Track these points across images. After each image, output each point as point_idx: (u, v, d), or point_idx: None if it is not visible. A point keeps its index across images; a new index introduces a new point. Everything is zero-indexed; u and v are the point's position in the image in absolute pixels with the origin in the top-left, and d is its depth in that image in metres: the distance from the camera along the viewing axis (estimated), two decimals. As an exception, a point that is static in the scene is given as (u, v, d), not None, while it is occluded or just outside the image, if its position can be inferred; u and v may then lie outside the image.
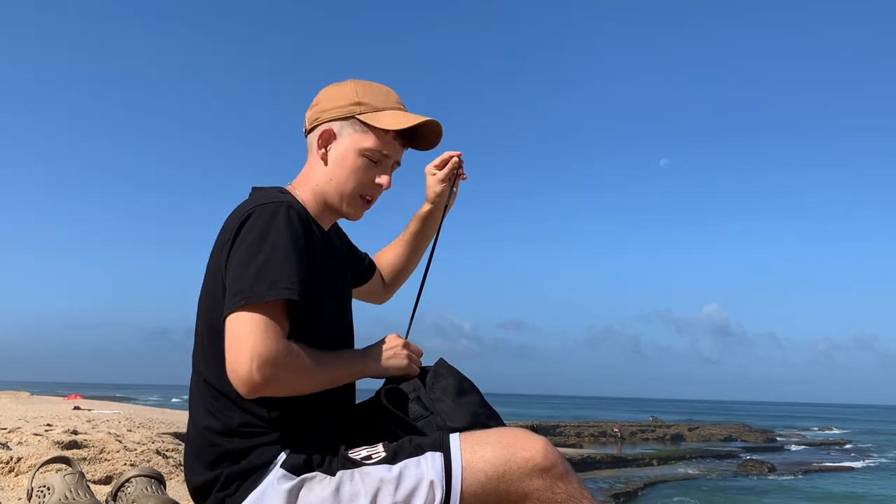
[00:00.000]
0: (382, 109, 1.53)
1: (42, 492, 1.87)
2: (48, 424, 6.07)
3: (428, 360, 1.60)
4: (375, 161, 1.53)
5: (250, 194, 1.55)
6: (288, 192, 1.53)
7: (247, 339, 1.27)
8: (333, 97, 1.55)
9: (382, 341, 1.52)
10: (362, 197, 1.55)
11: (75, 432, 4.78)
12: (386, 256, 1.92)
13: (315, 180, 1.55)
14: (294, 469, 1.34)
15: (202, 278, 1.49)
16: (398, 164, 1.59)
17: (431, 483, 1.29)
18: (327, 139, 1.54)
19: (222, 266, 1.38)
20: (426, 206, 1.84)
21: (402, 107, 1.57)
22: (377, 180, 1.54)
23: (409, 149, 1.62)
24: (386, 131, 1.51)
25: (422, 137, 1.60)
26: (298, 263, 1.35)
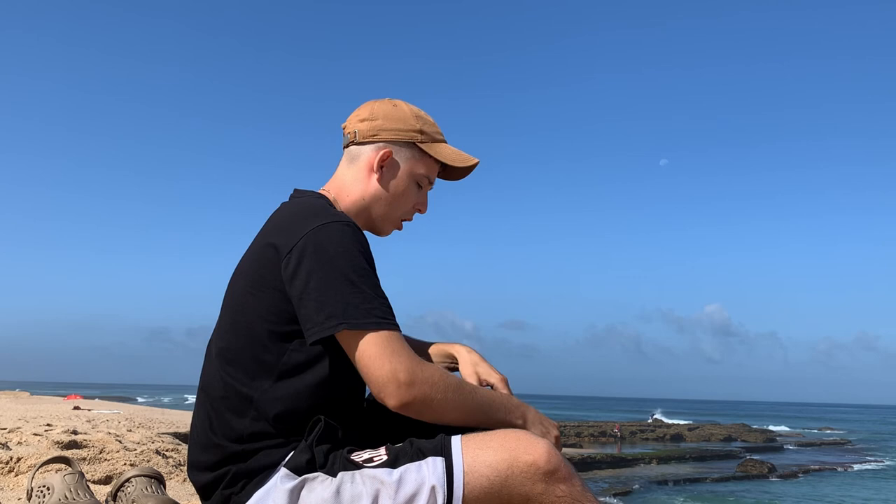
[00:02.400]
0: (439, 142, 1.63)
1: (42, 492, 1.87)
2: (48, 424, 6.07)
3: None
4: (421, 186, 1.64)
5: (292, 196, 1.59)
6: (327, 199, 1.56)
7: (383, 357, 1.32)
8: (393, 118, 1.61)
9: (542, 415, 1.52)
10: (402, 219, 1.65)
11: (75, 432, 4.78)
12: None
13: (361, 194, 1.60)
14: (297, 469, 1.34)
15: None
16: (432, 186, 1.68)
17: (433, 488, 1.29)
18: (384, 159, 1.59)
19: (283, 278, 1.37)
20: (458, 365, 1.70)
21: (443, 136, 1.66)
22: (418, 205, 1.65)
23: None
24: (436, 161, 1.62)
25: (456, 170, 1.68)
26: (380, 287, 1.41)
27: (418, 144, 1.60)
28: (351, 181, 1.60)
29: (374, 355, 1.32)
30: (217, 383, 1.44)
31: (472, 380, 1.62)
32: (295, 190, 1.62)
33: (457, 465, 1.30)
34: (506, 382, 1.63)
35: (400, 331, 1.38)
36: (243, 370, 1.41)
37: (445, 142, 1.65)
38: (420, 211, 1.66)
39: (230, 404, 1.41)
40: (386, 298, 1.40)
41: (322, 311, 1.33)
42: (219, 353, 1.46)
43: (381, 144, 1.59)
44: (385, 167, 1.59)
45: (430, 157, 1.61)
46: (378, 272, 1.77)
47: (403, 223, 1.67)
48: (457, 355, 1.70)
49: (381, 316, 1.35)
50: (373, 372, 1.33)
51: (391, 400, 1.32)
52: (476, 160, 1.65)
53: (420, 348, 1.75)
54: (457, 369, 1.68)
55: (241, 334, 1.42)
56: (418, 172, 1.61)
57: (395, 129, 1.59)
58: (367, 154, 1.60)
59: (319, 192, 1.61)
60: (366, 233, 1.65)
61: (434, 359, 1.72)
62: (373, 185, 1.59)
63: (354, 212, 1.59)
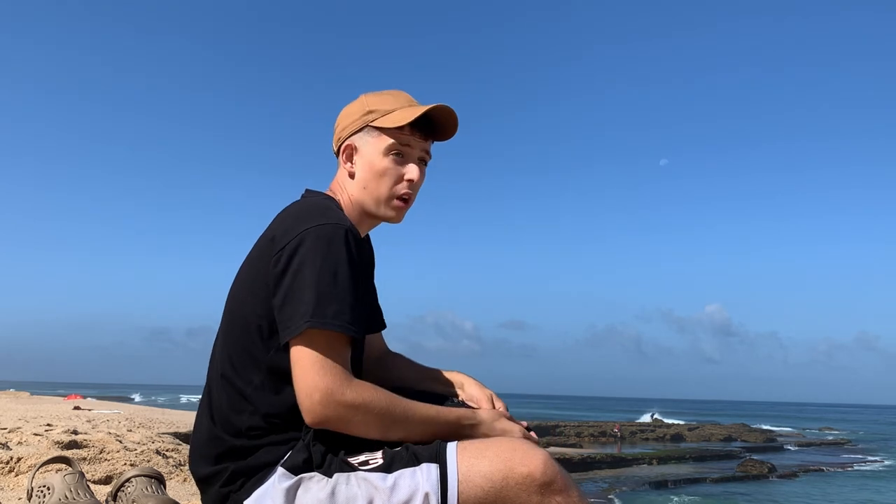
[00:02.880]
0: (393, 111, 1.57)
1: (42, 492, 1.87)
2: (48, 424, 6.08)
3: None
4: (401, 157, 1.58)
5: (303, 195, 1.61)
6: (334, 201, 1.57)
7: (310, 370, 1.31)
8: (348, 115, 1.63)
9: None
10: (398, 197, 1.59)
11: (75, 432, 4.78)
12: (399, 366, 1.79)
13: (348, 193, 1.60)
14: (294, 468, 1.36)
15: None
16: (428, 156, 1.63)
17: (426, 495, 1.28)
18: (350, 154, 1.60)
19: (272, 273, 1.38)
20: (460, 390, 1.70)
21: (413, 103, 1.60)
22: (406, 175, 1.58)
23: (437, 141, 1.64)
24: (401, 128, 1.55)
25: (441, 127, 1.62)
26: (358, 298, 1.37)
27: (371, 125, 1.58)
28: (340, 184, 1.63)
29: (303, 366, 1.32)
30: (217, 376, 1.47)
31: (485, 399, 1.62)
32: (306, 190, 1.64)
33: (451, 474, 1.30)
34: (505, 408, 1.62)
35: (349, 340, 1.35)
36: (238, 364, 1.42)
37: (412, 106, 1.58)
38: (411, 181, 1.58)
39: (228, 398, 1.43)
40: (357, 306, 1.36)
41: (293, 312, 1.33)
42: (220, 346, 1.49)
43: (343, 145, 1.62)
44: (354, 157, 1.60)
45: (389, 127, 1.56)
46: (379, 273, 1.77)
47: (406, 199, 1.60)
48: (463, 381, 1.70)
49: (348, 321, 1.32)
50: (297, 382, 1.32)
51: (305, 416, 1.32)
52: (428, 106, 1.55)
53: (424, 375, 1.74)
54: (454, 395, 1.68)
55: (237, 328, 1.44)
56: (384, 146, 1.56)
57: (349, 124, 1.61)
58: (341, 160, 1.63)
59: (327, 193, 1.63)
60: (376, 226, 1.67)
61: (437, 386, 1.71)
62: (351, 179, 1.60)
63: (352, 211, 1.60)
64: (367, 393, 1.33)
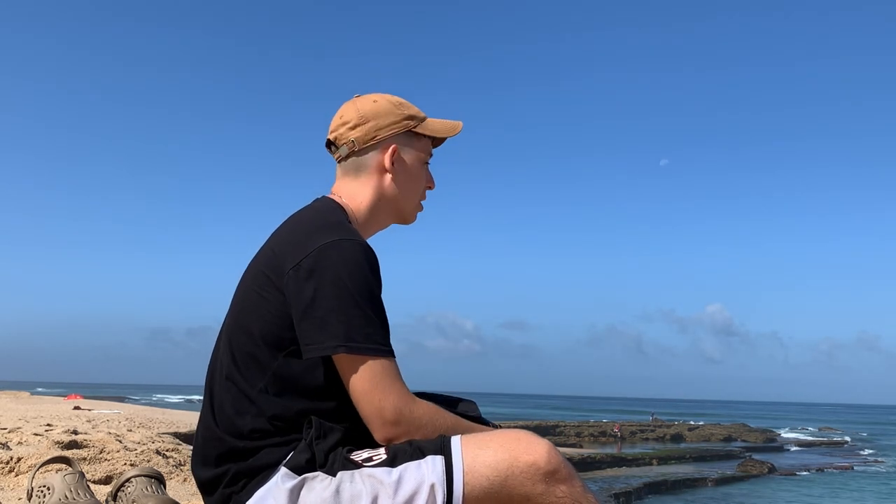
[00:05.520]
0: (426, 118, 1.66)
1: (42, 492, 1.87)
2: (48, 424, 6.09)
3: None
4: (426, 166, 1.69)
5: (315, 201, 1.61)
6: (345, 212, 1.57)
7: (376, 390, 1.35)
8: (383, 114, 1.61)
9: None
10: (421, 201, 1.70)
11: (75, 432, 4.79)
12: None
13: (377, 196, 1.62)
14: (297, 468, 1.35)
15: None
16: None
17: (432, 487, 1.29)
18: (394, 155, 1.62)
19: (289, 284, 1.38)
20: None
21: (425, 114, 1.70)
22: (428, 183, 1.70)
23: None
24: (431, 138, 1.67)
25: (440, 138, 1.72)
26: (385, 318, 1.43)
27: (413, 130, 1.63)
28: (361, 188, 1.61)
29: (364, 389, 1.35)
30: (220, 378, 1.47)
31: None
32: (323, 196, 1.63)
33: (456, 465, 1.30)
34: None
35: (394, 358, 1.39)
36: (244, 367, 1.42)
37: (427, 117, 1.69)
38: (430, 188, 1.70)
39: (232, 400, 1.43)
40: (387, 324, 1.41)
41: (323, 330, 1.35)
42: (223, 350, 1.49)
43: (383, 144, 1.60)
44: (395, 163, 1.61)
45: (425, 136, 1.66)
46: (380, 273, 1.75)
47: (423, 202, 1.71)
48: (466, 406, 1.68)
49: (380, 342, 1.37)
50: (361, 404, 1.36)
51: (376, 434, 1.36)
52: (460, 122, 1.69)
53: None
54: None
55: (243, 333, 1.44)
56: (423, 154, 1.66)
57: (390, 124, 1.60)
58: (375, 158, 1.60)
59: (336, 200, 1.61)
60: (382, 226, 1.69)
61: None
62: (388, 183, 1.61)
63: (371, 215, 1.61)
64: (428, 410, 1.39)
